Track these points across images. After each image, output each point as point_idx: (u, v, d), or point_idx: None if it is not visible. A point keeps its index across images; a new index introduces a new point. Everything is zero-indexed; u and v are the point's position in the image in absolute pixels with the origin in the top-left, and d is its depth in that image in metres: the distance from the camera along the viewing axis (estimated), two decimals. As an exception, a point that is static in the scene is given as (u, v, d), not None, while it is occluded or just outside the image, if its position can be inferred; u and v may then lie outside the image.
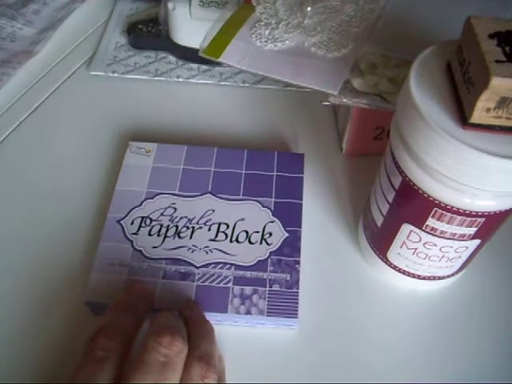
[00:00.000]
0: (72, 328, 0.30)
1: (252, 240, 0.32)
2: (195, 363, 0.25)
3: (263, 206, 0.34)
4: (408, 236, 0.27)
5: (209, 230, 0.32)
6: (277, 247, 0.32)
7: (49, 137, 0.41)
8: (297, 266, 0.31)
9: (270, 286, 0.30)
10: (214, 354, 0.26)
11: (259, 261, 0.31)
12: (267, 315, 0.29)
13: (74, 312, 0.31)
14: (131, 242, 0.32)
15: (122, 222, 0.33)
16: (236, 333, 0.30)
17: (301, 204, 0.34)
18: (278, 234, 0.32)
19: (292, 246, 0.32)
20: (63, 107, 0.43)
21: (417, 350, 0.30)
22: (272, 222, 0.33)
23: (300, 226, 0.33)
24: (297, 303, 0.30)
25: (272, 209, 0.34)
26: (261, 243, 0.32)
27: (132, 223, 0.33)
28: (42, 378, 0.28)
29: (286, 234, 0.32)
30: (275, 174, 0.35)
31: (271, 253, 0.32)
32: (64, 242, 0.34)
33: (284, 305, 0.30)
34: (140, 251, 0.31)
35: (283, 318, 0.29)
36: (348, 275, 0.33)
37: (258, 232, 0.32)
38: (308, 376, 0.29)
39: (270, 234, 0.32)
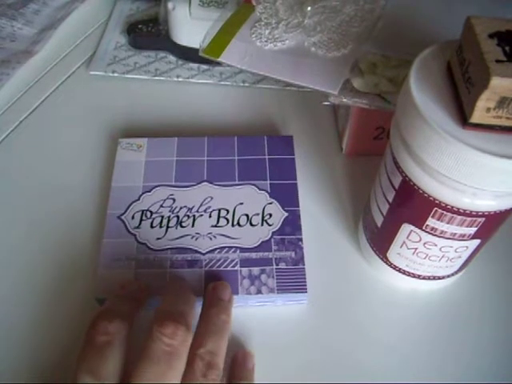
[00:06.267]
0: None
1: (253, 222, 0.33)
2: (198, 361, 0.25)
3: (260, 189, 0.34)
4: (408, 236, 0.27)
5: (209, 216, 0.33)
6: (278, 227, 0.33)
7: (49, 137, 0.41)
8: (300, 243, 0.32)
9: (277, 265, 0.31)
10: (219, 352, 0.26)
11: (262, 242, 0.32)
12: (278, 292, 0.30)
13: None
14: (134, 236, 0.32)
15: (122, 217, 0.33)
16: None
17: (296, 184, 0.35)
18: (278, 215, 0.33)
19: (293, 224, 0.33)
20: (63, 107, 0.43)
21: (417, 349, 0.30)
22: (270, 203, 0.34)
23: (298, 205, 0.34)
24: (304, 278, 0.30)
25: (269, 191, 0.34)
26: (262, 225, 0.33)
27: (133, 218, 0.33)
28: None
29: (286, 214, 0.33)
30: (267, 157, 0.36)
31: (273, 233, 0.32)
32: (68, 241, 0.34)
33: (292, 281, 0.30)
34: (145, 244, 0.32)
35: (293, 293, 0.30)
36: (348, 275, 0.33)
37: (258, 214, 0.33)
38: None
39: (270, 215, 0.33)
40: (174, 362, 0.24)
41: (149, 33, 0.46)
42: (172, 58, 0.46)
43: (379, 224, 0.29)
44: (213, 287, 0.29)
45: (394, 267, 0.30)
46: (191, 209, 0.33)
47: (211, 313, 0.27)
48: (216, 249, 0.32)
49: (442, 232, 0.26)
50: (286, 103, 0.43)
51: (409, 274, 0.30)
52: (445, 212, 0.24)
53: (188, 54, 0.45)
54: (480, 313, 0.31)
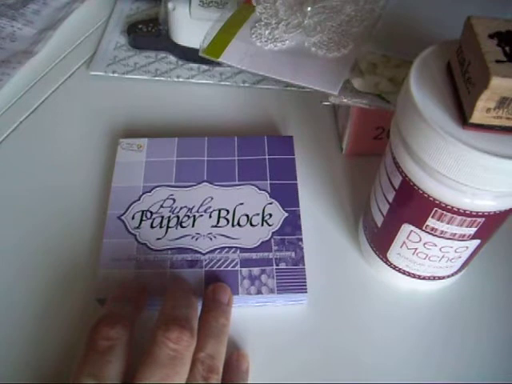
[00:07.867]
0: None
1: (253, 222, 0.33)
2: (198, 365, 0.25)
3: (260, 189, 0.34)
4: (408, 236, 0.27)
5: (210, 216, 0.33)
6: (278, 227, 0.33)
7: (49, 137, 0.41)
8: (300, 243, 0.32)
9: (277, 265, 0.31)
10: (218, 355, 0.26)
11: (262, 242, 0.32)
12: (278, 293, 0.30)
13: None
14: (134, 236, 0.32)
15: (122, 217, 0.33)
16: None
17: (296, 184, 0.35)
18: (278, 215, 0.33)
19: (293, 224, 0.33)
20: (63, 107, 0.43)
21: (417, 349, 0.30)
22: (270, 203, 0.34)
23: (298, 206, 0.34)
24: (304, 278, 0.30)
25: (269, 191, 0.34)
26: (262, 225, 0.33)
27: (133, 218, 0.33)
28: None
29: (286, 214, 0.33)
30: (267, 157, 0.36)
31: (273, 233, 0.32)
32: (68, 241, 0.34)
33: (292, 281, 0.30)
34: (145, 244, 0.32)
35: (293, 293, 0.30)
36: (348, 275, 0.33)
37: (258, 214, 0.33)
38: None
39: (270, 216, 0.33)
40: (179, 366, 0.24)
41: (149, 33, 0.46)
42: (172, 58, 0.46)
43: (379, 224, 0.29)
44: (212, 290, 0.29)
45: (394, 267, 0.30)
46: (191, 209, 0.33)
47: (210, 316, 0.27)
48: (216, 249, 0.32)
49: (442, 232, 0.26)
50: (286, 103, 0.43)
51: (409, 274, 0.30)
52: (445, 212, 0.24)
53: (188, 55, 0.45)
54: (480, 313, 0.31)
